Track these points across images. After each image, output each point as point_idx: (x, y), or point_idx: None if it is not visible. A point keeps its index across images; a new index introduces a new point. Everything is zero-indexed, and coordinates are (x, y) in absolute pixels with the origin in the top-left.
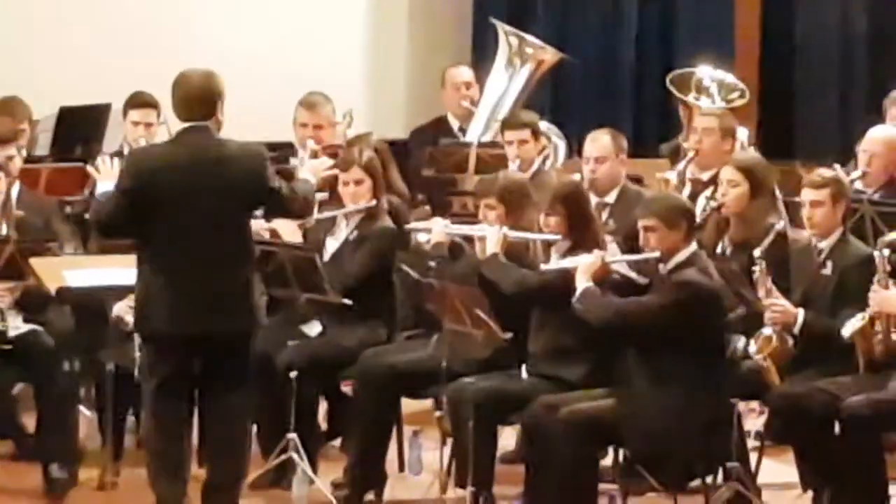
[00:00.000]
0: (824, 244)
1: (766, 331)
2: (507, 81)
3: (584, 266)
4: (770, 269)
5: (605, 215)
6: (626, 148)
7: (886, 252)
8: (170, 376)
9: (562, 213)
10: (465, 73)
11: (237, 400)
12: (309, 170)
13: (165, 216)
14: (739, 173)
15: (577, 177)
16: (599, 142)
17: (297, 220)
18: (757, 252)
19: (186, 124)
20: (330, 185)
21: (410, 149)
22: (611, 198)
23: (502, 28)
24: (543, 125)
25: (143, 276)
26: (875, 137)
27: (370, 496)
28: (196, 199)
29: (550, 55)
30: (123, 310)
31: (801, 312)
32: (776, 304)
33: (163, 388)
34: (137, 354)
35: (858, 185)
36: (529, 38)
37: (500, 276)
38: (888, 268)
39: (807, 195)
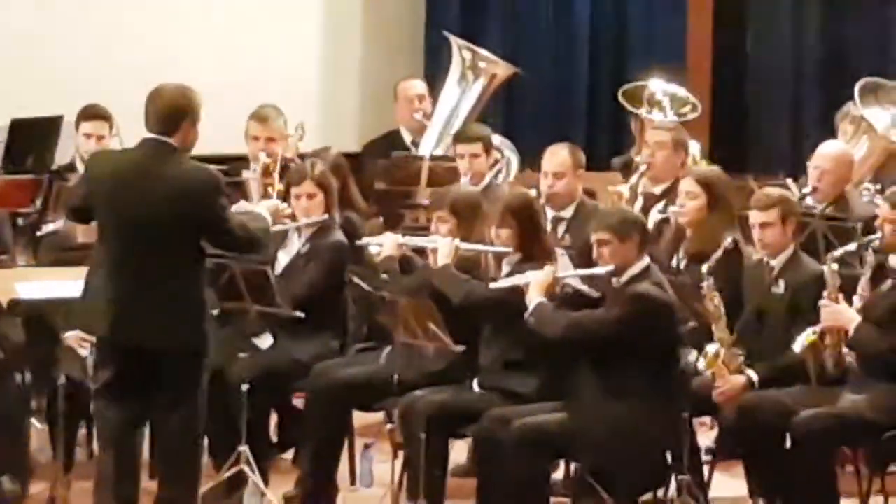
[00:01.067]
0: (776, 262)
1: (711, 347)
2: (459, 95)
3: (536, 281)
4: (724, 284)
5: (561, 230)
6: (584, 163)
7: (836, 266)
8: (112, 381)
9: (513, 225)
10: (418, 86)
11: (188, 414)
12: (267, 208)
13: (110, 222)
14: (698, 185)
15: (532, 191)
16: (558, 156)
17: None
18: (704, 268)
19: (148, 135)
20: (283, 198)
21: (363, 162)
22: (568, 212)
23: (456, 42)
24: (496, 139)
25: (87, 272)
26: (825, 153)
27: None
28: (135, 209)
29: (503, 69)
30: (74, 340)
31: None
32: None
33: (104, 391)
34: (89, 365)
35: (809, 200)
36: (482, 52)
37: (450, 288)
38: (838, 282)
39: (756, 217)
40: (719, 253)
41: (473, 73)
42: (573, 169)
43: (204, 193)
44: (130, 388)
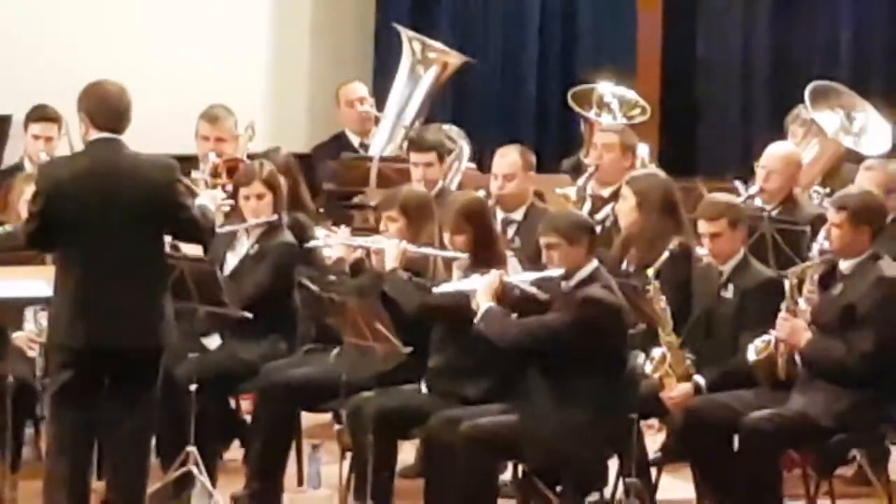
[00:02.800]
0: (725, 267)
1: (657, 351)
2: (411, 87)
3: (483, 286)
4: (673, 287)
5: (511, 231)
6: (534, 164)
7: (795, 280)
8: (70, 385)
9: (468, 231)
10: (359, 88)
11: (140, 416)
12: (208, 198)
13: (73, 228)
14: (627, 187)
15: (481, 192)
16: (508, 158)
17: (202, 245)
18: (650, 272)
19: (99, 135)
20: (231, 199)
21: (313, 163)
22: (518, 215)
23: (406, 34)
24: (447, 127)
25: (56, 287)
26: (773, 154)
27: None
28: (102, 211)
29: (454, 58)
30: (23, 341)
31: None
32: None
33: (62, 395)
34: (38, 366)
35: (758, 200)
36: (432, 42)
37: (402, 296)
38: (796, 295)
39: (704, 228)
40: (665, 256)
41: (424, 65)
42: (523, 170)
43: (168, 181)
44: (88, 390)
